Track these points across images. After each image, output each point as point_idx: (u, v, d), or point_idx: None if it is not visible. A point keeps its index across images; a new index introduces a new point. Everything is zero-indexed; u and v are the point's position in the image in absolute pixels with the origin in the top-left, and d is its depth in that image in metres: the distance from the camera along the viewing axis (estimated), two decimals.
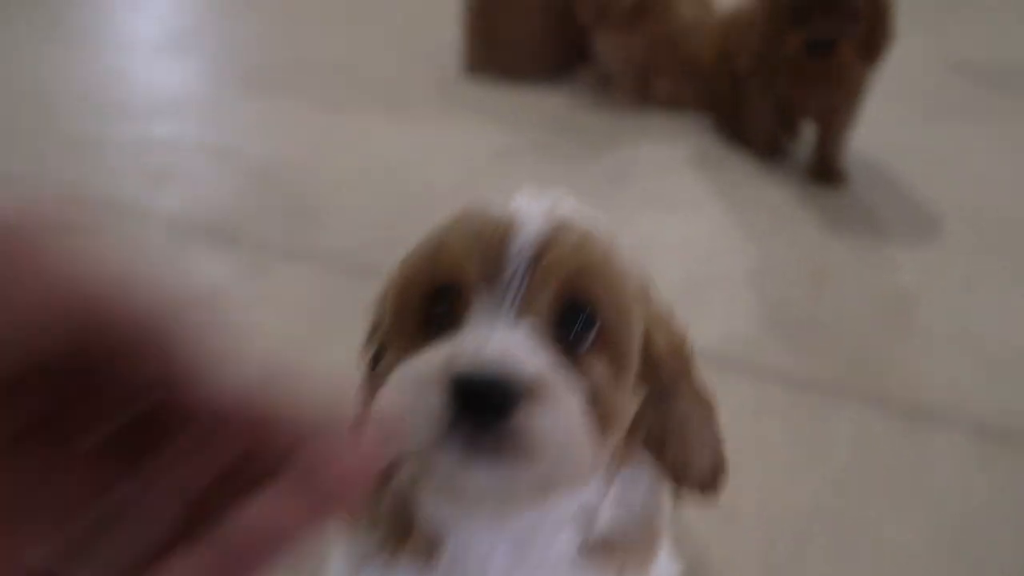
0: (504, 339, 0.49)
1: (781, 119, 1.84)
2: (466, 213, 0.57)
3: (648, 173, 1.79)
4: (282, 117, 1.98)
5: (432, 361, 0.49)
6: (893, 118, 2.06)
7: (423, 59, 2.38)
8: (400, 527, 0.59)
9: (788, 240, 1.56)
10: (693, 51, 2.08)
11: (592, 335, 0.53)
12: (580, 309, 0.53)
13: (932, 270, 1.47)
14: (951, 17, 2.96)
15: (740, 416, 1.12)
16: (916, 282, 1.43)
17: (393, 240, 0.61)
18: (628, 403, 0.56)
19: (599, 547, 0.59)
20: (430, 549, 0.58)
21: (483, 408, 0.46)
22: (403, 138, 1.89)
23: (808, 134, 1.87)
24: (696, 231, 1.58)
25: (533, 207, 0.56)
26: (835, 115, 1.74)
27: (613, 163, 1.83)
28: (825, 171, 1.76)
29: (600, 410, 0.52)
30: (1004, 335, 1.30)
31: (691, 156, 1.87)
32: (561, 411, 0.48)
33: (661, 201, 1.68)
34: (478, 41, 2.28)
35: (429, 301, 0.55)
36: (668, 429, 0.61)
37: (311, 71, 2.27)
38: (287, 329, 1.25)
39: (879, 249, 1.54)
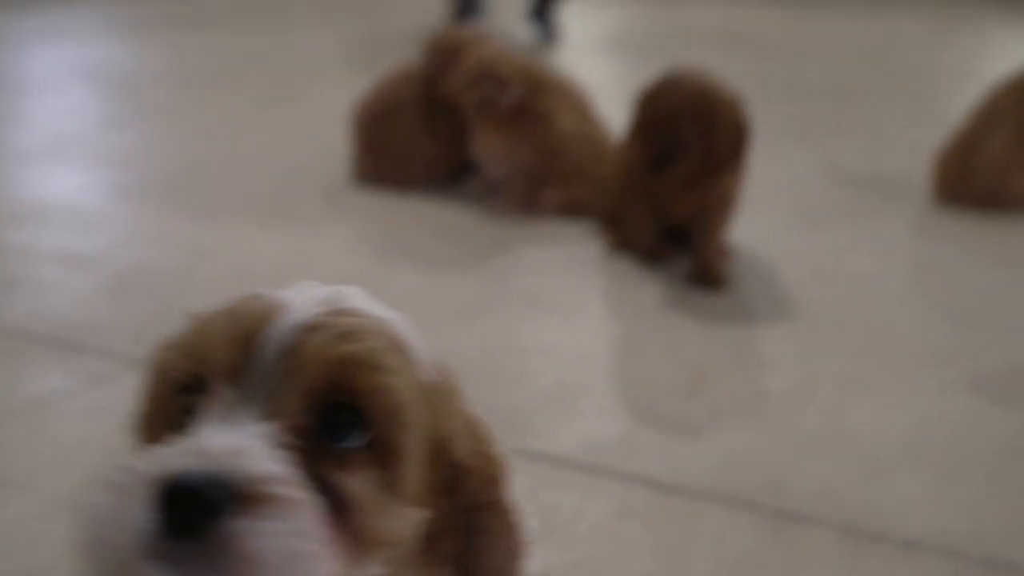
0: (228, 438, 0.45)
1: (660, 224, 1.85)
2: (233, 301, 0.53)
3: (530, 278, 1.78)
4: (155, 225, 1.93)
5: (145, 462, 0.44)
6: (777, 225, 2.12)
7: (310, 169, 2.37)
8: None
9: (665, 344, 1.54)
10: (577, 160, 2.11)
11: (359, 438, 0.48)
12: (342, 408, 0.48)
13: (808, 373, 1.46)
14: (834, 132, 3.10)
15: (601, 520, 1.07)
16: (792, 385, 1.42)
17: None
18: (405, 517, 0.50)
19: None
20: None
21: (187, 515, 0.41)
22: (280, 245, 1.86)
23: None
24: (573, 334, 1.56)
25: (304, 297, 0.51)
26: (706, 220, 1.77)
27: (495, 269, 1.82)
28: (705, 276, 1.77)
29: (359, 523, 0.47)
30: (877, 435, 1.29)
31: (575, 261, 1.87)
32: (285, 521, 0.43)
33: (540, 306, 1.66)
34: (366, 152, 2.28)
35: (180, 393, 0.51)
36: (472, 550, 0.56)
37: (193, 181, 2.24)
38: (122, 437, 1.17)
39: (756, 353, 1.53)
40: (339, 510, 0.46)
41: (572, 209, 2.14)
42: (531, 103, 2.08)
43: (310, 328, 0.48)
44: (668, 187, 1.74)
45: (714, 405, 1.35)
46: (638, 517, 1.09)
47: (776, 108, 3.45)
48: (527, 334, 1.55)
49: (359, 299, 0.54)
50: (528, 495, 1.10)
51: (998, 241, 2.10)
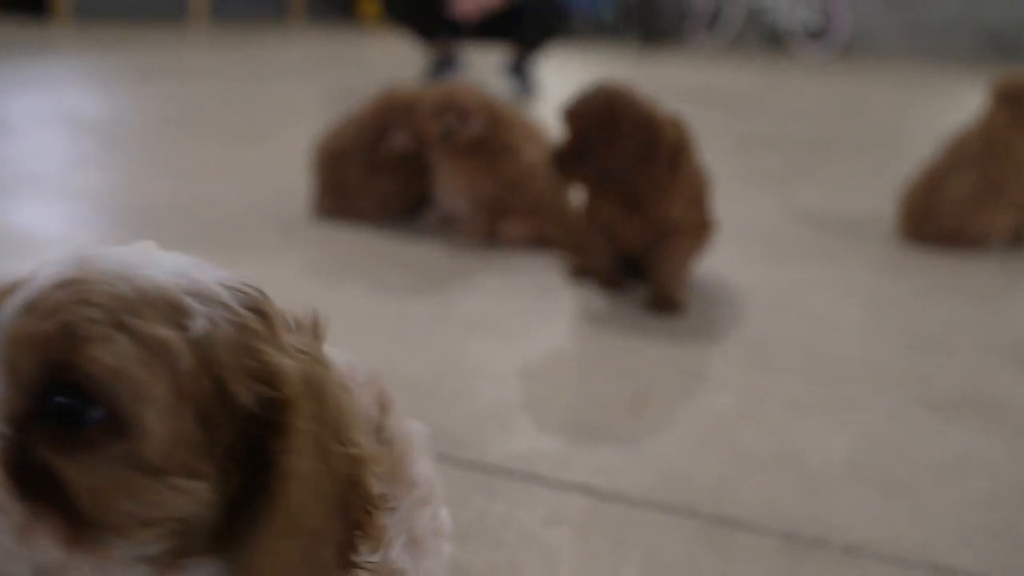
0: None
1: (618, 253, 1.84)
2: None
3: (483, 303, 1.76)
4: None
5: None
6: (740, 259, 2.12)
7: (273, 205, 2.37)
8: None
9: (613, 366, 1.52)
10: (539, 192, 2.12)
11: (97, 414, 0.44)
12: (62, 387, 0.44)
13: (756, 393, 1.44)
14: (802, 178, 3.13)
15: (530, 526, 1.04)
16: (739, 404, 1.40)
17: None
18: (163, 490, 0.45)
19: None
20: None
21: None
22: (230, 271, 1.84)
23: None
24: (521, 355, 1.53)
25: (45, 269, 0.48)
26: (660, 248, 1.76)
27: (449, 295, 1.80)
28: (660, 302, 1.76)
29: (89, 506, 0.44)
30: (822, 452, 1.26)
31: (532, 289, 1.86)
32: None
33: (491, 328, 1.64)
34: (325, 189, 2.28)
35: None
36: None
37: (152, 214, 2.23)
38: None
39: (705, 374, 1.51)
40: (60, 496, 0.44)
41: (534, 241, 2.14)
42: (493, 136, 2.09)
43: (26, 308, 0.45)
44: (610, 210, 1.74)
45: (658, 422, 1.32)
46: (570, 524, 1.05)
47: (746, 156, 3.49)
48: (474, 355, 1.52)
49: (128, 255, 0.49)
50: (457, 502, 1.07)
51: (956, 277, 2.10)
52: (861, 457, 1.25)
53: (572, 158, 1.67)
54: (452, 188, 2.13)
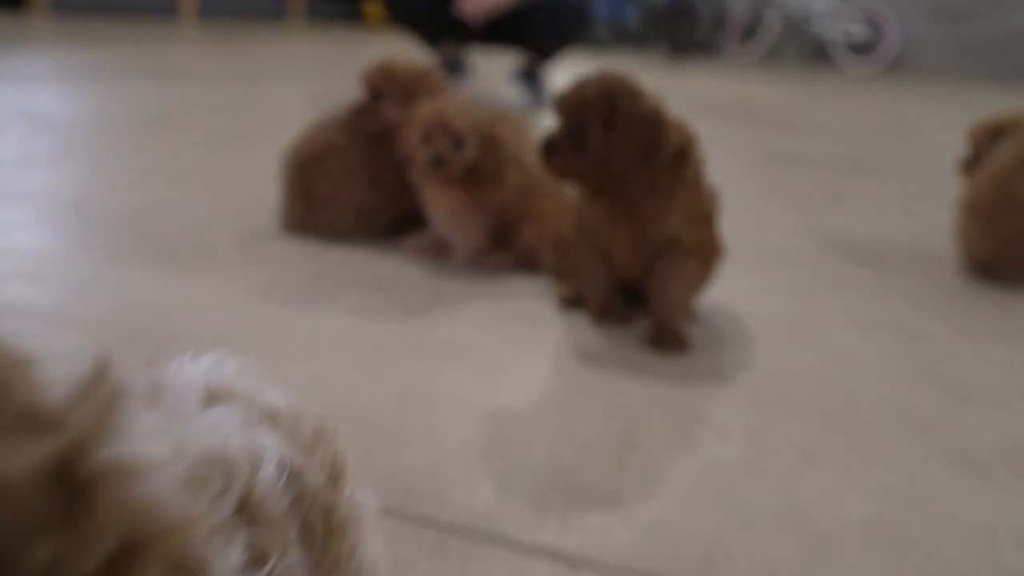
0: None
1: (612, 276, 1.78)
2: None
3: (461, 330, 1.70)
4: (38, 263, 1.86)
5: None
6: (758, 288, 2.05)
7: (242, 216, 2.32)
8: None
9: (602, 405, 1.45)
10: (541, 206, 2.07)
11: None
12: None
13: (762, 441, 1.37)
14: (834, 202, 3.06)
15: None
16: (741, 454, 1.33)
17: None
18: None
19: None
20: None
21: None
22: (179, 288, 1.78)
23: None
24: (497, 390, 1.46)
25: None
26: (659, 271, 1.69)
27: (424, 320, 1.74)
28: (661, 335, 1.69)
29: None
30: (832, 511, 1.19)
31: (518, 316, 1.79)
32: None
33: (467, 359, 1.57)
34: (295, 201, 2.22)
35: None
36: None
37: (103, 222, 2.18)
38: None
39: (705, 418, 1.44)
40: None
41: (526, 264, 2.08)
42: (488, 158, 1.99)
43: None
44: (602, 216, 1.68)
45: (647, 473, 1.25)
46: None
47: (771, 174, 3.43)
48: (445, 389, 1.46)
49: None
50: (402, 565, 1.01)
51: (1005, 316, 2.02)
52: (876, 517, 1.18)
53: (564, 148, 1.60)
54: (444, 215, 2.07)
